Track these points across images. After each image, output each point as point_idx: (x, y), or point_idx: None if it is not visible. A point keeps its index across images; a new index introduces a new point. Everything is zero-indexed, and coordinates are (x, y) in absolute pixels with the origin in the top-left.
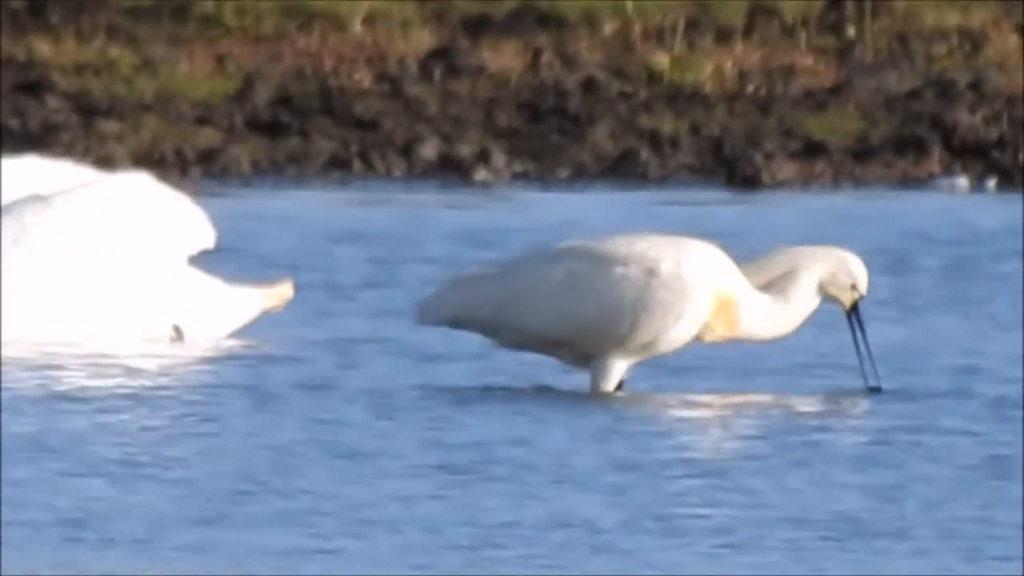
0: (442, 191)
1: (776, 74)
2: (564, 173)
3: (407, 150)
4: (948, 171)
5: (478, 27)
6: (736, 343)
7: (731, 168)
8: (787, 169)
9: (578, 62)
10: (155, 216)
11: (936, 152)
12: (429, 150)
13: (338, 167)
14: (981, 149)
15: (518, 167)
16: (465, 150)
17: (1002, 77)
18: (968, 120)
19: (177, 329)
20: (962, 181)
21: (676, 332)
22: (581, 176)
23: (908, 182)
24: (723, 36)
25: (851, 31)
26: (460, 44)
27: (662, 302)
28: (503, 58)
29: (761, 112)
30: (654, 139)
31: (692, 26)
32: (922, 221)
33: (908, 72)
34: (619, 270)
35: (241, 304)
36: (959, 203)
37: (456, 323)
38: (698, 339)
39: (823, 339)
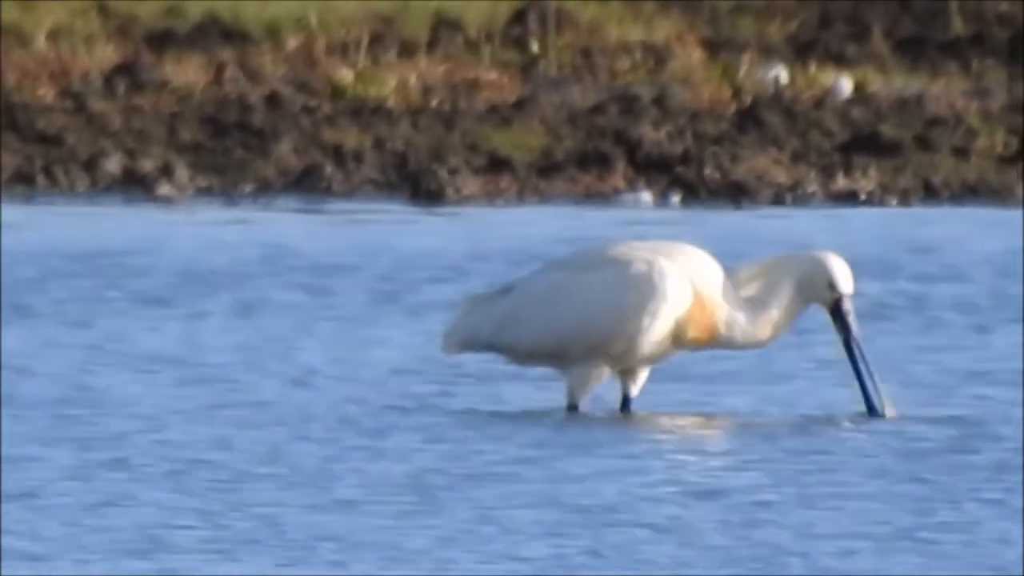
0: (125, 206)
1: (460, 89)
2: (248, 188)
3: (91, 165)
4: (632, 186)
5: (162, 42)
6: (715, 349)
7: (415, 183)
8: (472, 184)
9: (262, 76)
10: None
11: (620, 167)
12: (113, 165)
13: (22, 182)
14: (665, 164)
15: (201, 182)
16: (148, 165)
17: (686, 92)
18: (652, 135)
19: None
20: (646, 196)
21: (650, 334)
22: (265, 191)
23: (593, 197)
24: (407, 50)
25: (535, 46)
26: (144, 59)
27: (632, 304)
28: (187, 72)
29: (445, 127)
30: (338, 154)
31: (376, 40)
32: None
33: (592, 87)
34: (592, 276)
35: None
36: (643, 216)
37: (469, 347)
38: (676, 344)
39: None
